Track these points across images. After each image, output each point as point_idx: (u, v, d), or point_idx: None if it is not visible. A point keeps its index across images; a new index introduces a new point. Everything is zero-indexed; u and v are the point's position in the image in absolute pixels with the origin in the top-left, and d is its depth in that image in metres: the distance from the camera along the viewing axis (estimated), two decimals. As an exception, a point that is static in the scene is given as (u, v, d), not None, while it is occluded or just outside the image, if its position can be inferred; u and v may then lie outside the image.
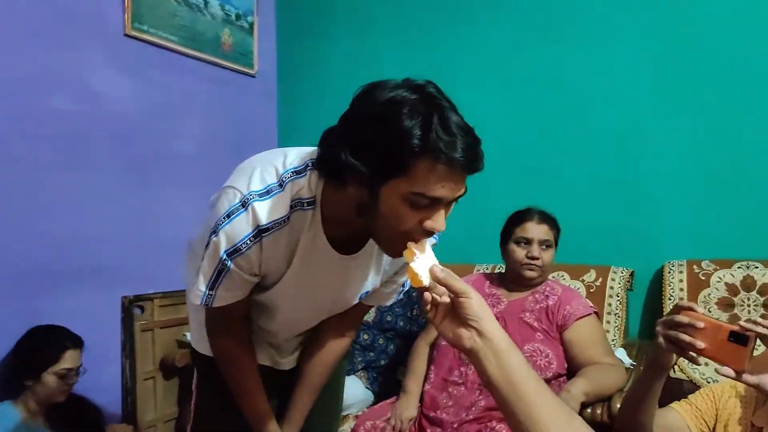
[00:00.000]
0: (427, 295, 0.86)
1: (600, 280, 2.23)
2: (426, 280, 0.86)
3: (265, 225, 1.03)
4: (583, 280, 2.25)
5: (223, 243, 1.04)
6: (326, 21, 2.96)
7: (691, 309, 1.08)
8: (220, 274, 1.08)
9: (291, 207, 1.04)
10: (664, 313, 2.08)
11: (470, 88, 2.57)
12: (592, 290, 2.22)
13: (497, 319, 1.93)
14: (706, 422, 1.31)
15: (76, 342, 1.99)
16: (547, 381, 1.78)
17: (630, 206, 2.32)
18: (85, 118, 2.20)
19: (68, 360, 1.94)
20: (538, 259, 1.88)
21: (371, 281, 1.23)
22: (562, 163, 2.43)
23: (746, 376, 1.02)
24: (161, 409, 2.43)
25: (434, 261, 0.90)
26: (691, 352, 1.06)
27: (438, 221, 0.92)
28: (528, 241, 1.90)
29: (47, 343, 1.95)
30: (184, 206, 2.51)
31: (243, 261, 1.06)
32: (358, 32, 2.87)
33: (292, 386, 1.37)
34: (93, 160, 2.22)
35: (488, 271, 2.29)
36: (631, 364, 2.00)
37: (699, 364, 1.12)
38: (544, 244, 1.90)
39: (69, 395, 2.01)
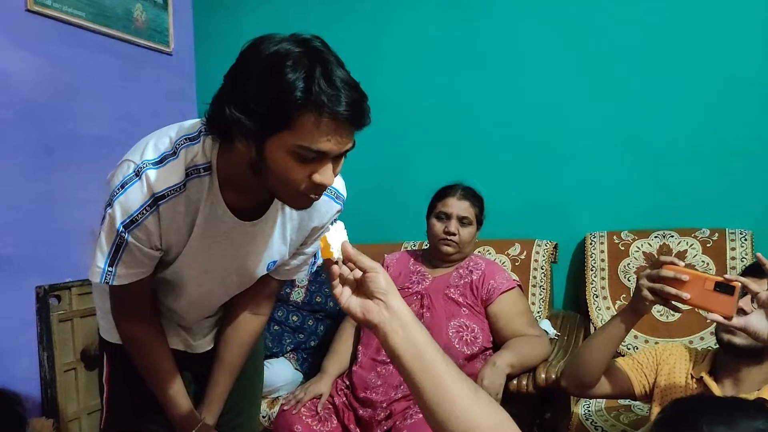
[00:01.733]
0: (335, 268, 0.86)
1: (525, 253, 2.27)
2: (336, 254, 0.87)
3: (161, 192, 1.01)
4: (508, 254, 2.29)
5: (118, 214, 1.02)
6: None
7: (672, 263, 1.18)
8: (119, 249, 1.06)
9: (187, 175, 1.03)
10: (587, 284, 2.18)
11: (391, 63, 2.56)
12: (517, 263, 2.26)
13: (422, 295, 1.95)
14: (646, 375, 1.43)
15: None
16: (474, 355, 1.81)
17: (552, 180, 2.36)
18: (-15, 99, 2.06)
19: None
20: (454, 234, 1.89)
21: (277, 250, 1.20)
22: (486, 139, 2.44)
23: (734, 320, 1.13)
24: (84, 401, 2.34)
25: (345, 238, 0.90)
26: (675, 303, 1.19)
27: (326, 175, 0.92)
28: (447, 216, 1.91)
29: None
30: (98, 190, 2.39)
31: (141, 233, 1.04)
32: (275, 4, 2.77)
33: (210, 369, 1.34)
34: (-6, 143, 2.08)
35: (415, 248, 2.30)
36: (556, 335, 2.04)
37: (680, 312, 1.27)
38: (464, 220, 1.91)
39: None
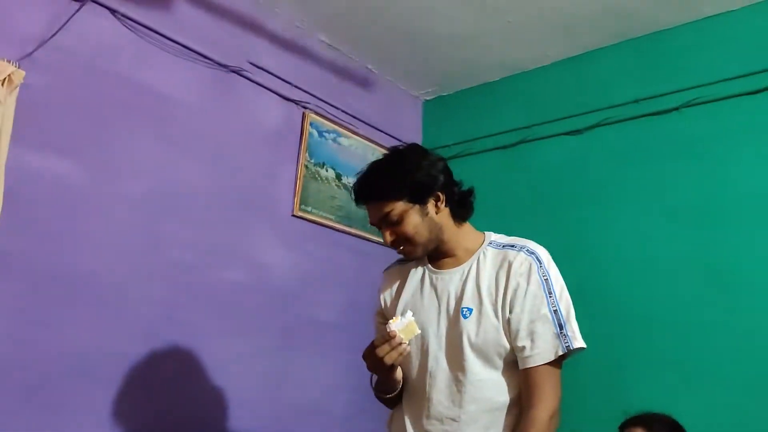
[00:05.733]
0: None
1: None
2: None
3: (387, 267, 1.67)
4: None
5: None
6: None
7: None
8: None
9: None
10: None
11: (615, 268, 2.51)
12: None
13: None
14: None
15: None
16: None
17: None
18: (250, 288, 2.45)
19: None
20: None
21: (471, 296, 1.40)
22: (719, 361, 2.20)
23: None
24: None
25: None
26: None
27: (383, 236, 1.46)
28: None
29: None
30: (325, 372, 2.63)
31: (378, 315, 1.62)
32: (493, 206, 2.87)
33: None
34: (250, 325, 2.43)
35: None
36: None
37: None
38: None
39: None
